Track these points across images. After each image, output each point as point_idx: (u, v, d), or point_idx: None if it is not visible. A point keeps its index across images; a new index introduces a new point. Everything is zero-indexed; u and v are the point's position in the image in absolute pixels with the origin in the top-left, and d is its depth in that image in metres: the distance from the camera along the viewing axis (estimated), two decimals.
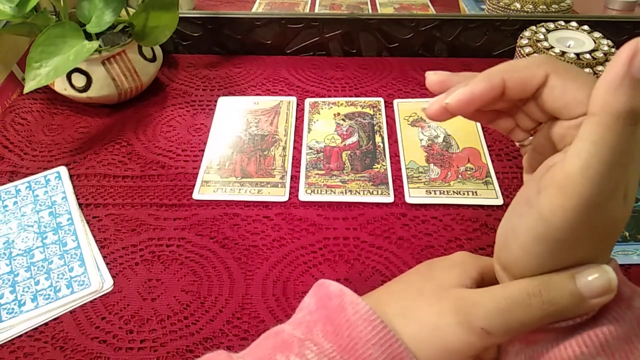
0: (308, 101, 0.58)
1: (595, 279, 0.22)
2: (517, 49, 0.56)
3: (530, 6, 0.64)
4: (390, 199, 0.46)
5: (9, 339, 0.36)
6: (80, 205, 0.46)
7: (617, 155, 0.20)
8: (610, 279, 0.22)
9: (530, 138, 0.27)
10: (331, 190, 0.47)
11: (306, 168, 0.49)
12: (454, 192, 0.46)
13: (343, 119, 0.55)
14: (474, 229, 0.43)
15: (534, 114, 0.25)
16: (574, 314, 0.22)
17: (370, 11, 0.74)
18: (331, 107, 0.57)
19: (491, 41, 0.64)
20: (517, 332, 0.23)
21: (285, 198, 0.46)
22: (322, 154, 0.51)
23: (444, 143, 0.51)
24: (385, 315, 0.26)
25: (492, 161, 0.49)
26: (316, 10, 0.74)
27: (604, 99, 0.19)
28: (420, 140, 0.52)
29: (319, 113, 0.56)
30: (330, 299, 0.26)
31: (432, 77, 0.25)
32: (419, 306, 0.26)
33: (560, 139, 0.23)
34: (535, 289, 0.22)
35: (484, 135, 0.52)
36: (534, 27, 0.57)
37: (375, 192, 0.46)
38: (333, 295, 0.26)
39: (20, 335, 0.37)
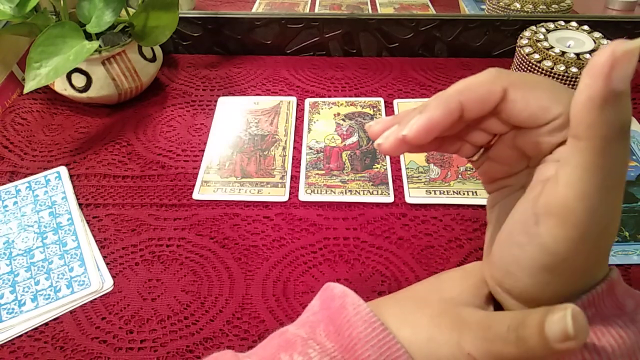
0: (308, 101, 0.58)
1: (556, 322, 0.19)
2: (517, 49, 0.56)
3: (530, 6, 0.64)
4: (390, 199, 0.46)
5: (9, 339, 0.36)
6: (80, 205, 0.46)
7: (614, 177, 0.19)
8: (567, 324, 0.18)
9: (481, 151, 0.26)
10: (331, 190, 0.47)
11: (306, 168, 0.49)
12: (454, 192, 0.46)
13: (343, 119, 0.55)
14: (474, 229, 0.43)
15: (492, 128, 0.24)
16: (545, 356, 0.20)
17: (370, 11, 0.74)
18: (331, 107, 0.57)
19: (491, 41, 0.64)
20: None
21: (285, 198, 0.46)
22: (322, 154, 0.51)
23: None
24: (382, 316, 0.26)
25: None
26: (316, 10, 0.74)
27: (588, 120, 0.18)
28: None
29: (319, 113, 0.56)
30: (333, 299, 0.27)
31: (376, 128, 0.23)
32: (420, 314, 0.26)
33: (534, 147, 0.22)
34: (514, 324, 0.21)
35: None
36: (534, 27, 0.57)
37: (375, 192, 0.46)
38: (336, 297, 0.27)
39: (20, 335, 0.37)
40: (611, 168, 0.18)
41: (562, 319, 0.19)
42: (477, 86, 0.22)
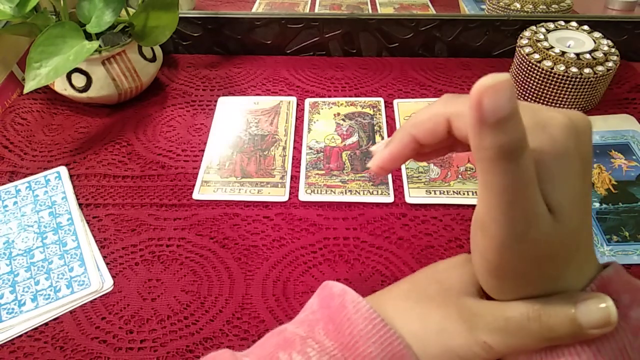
0: (308, 101, 0.58)
1: (595, 311, 0.22)
2: (517, 49, 0.56)
3: (530, 6, 0.64)
4: (390, 199, 0.46)
5: (9, 339, 0.37)
6: (80, 205, 0.46)
7: (512, 193, 0.20)
8: (610, 313, 0.21)
9: None
10: (331, 190, 0.47)
11: (306, 168, 0.49)
12: (454, 192, 0.46)
13: (343, 119, 0.55)
14: None
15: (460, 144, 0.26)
16: (572, 341, 0.22)
17: (370, 11, 0.74)
18: (331, 107, 0.57)
19: (491, 41, 0.64)
20: (519, 350, 0.24)
21: (285, 198, 0.46)
22: (322, 154, 0.51)
23: None
24: (385, 313, 0.26)
25: None
26: (316, 10, 0.74)
27: (473, 144, 0.19)
28: None
29: (319, 113, 0.56)
30: (333, 298, 0.27)
31: (376, 165, 0.27)
32: (424, 307, 0.26)
33: None
34: (534, 314, 0.23)
35: None
36: (534, 27, 0.57)
37: (375, 192, 0.46)
38: (335, 295, 0.27)
39: (20, 335, 0.37)
40: (507, 184, 0.19)
41: (604, 307, 0.21)
42: (425, 120, 0.24)
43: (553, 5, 0.64)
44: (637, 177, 0.46)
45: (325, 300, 0.27)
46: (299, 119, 0.55)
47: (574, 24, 0.57)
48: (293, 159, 0.50)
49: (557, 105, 0.54)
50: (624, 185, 0.45)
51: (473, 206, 0.45)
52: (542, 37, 0.55)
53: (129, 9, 0.55)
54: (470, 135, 0.19)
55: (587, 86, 0.52)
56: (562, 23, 0.57)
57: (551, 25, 0.57)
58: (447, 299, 0.26)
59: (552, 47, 0.53)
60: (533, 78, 0.54)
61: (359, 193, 0.46)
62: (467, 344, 0.24)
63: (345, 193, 0.46)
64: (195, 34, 0.65)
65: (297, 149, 0.52)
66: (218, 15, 0.64)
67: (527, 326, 0.22)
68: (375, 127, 0.54)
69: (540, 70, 0.52)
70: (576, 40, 0.55)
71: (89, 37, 0.51)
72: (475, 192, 0.46)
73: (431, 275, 0.28)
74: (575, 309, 0.22)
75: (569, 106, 0.54)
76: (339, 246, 0.42)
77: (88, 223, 0.45)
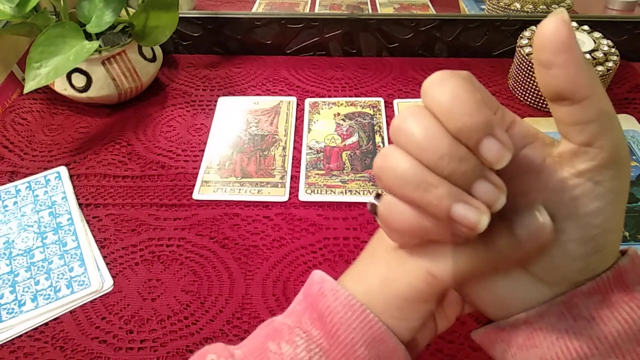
0: (308, 101, 0.58)
1: (529, 224, 0.21)
2: (517, 49, 0.56)
3: (530, 6, 0.64)
4: None
5: (9, 339, 0.37)
6: (80, 205, 0.46)
7: None
8: (545, 226, 0.21)
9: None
10: (331, 190, 0.47)
11: (306, 168, 0.49)
12: None
13: (343, 119, 0.55)
14: None
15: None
16: (514, 254, 0.22)
17: (370, 11, 0.74)
18: (331, 107, 0.57)
19: (491, 41, 0.64)
20: (465, 277, 0.23)
21: (285, 198, 0.46)
22: (322, 154, 0.51)
23: None
24: (344, 285, 0.26)
25: None
26: (316, 10, 0.74)
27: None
28: None
29: (319, 113, 0.56)
30: (312, 286, 0.27)
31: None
32: (370, 267, 0.26)
33: None
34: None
35: None
36: (534, 27, 0.57)
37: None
38: (314, 283, 0.27)
39: (20, 335, 0.37)
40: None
41: (539, 223, 0.21)
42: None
43: (553, 5, 0.64)
44: (637, 177, 0.46)
45: (307, 289, 0.27)
46: (299, 119, 0.55)
47: (574, 24, 0.57)
48: (293, 159, 0.50)
49: None
50: None
51: None
52: None
53: (129, 9, 0.55)
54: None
55: None
56: None
57: None
58: (392, 252, 0.26)
59: None
60: (533, 78, 0.54)
61: (359, 193, 0.46)
62: (409, 284, 0.24)
63: (345, 193, 0.46)
64: (195, 34, 0.65)
65: (297, 149, 0.52)
66: (218, 15, 0.64)
67: (469, 245, 0.22)
68: (375, 127, 0.54)
69: None
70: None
71: (89, 37, 0.51)
72: None
73: (378, 238, 0.28)
74: (513, 223, 0.21)
75: None
76: (339, 246, 0.42)
77: (88, 223, 0.45)
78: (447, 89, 0.19)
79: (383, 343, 0.25)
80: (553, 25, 0.18)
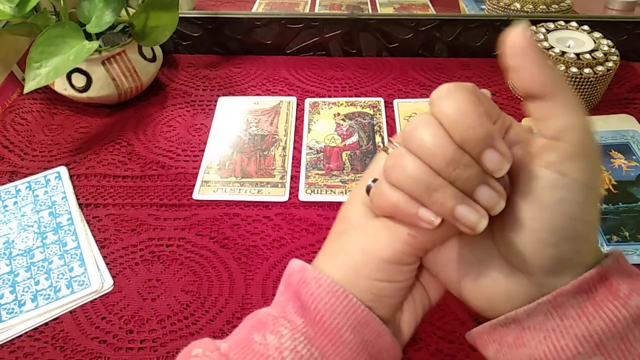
0: (308, 101, 0.58)
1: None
2: None
3: (530, 6, 0.64)
4: None
5: (9, 339, 0.37)
6: (80, 205, 0.46)
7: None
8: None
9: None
10: (331, 190, 0.47)
11: (306, 168, 0.49)
12: None
13: (343, 119, 0.55)
14: None
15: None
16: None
17: (370, 11, 0.74)
18: (331, 107, 0.57)
19: (491, 41, 0.64)
20: (440, 236, 0.25)
21: (285, 198, 0.46)
22: (322, 154, 0.51)
23: None
24: (322, 267, 0.27)
25: None
26: (316, 10, 0.74)
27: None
28: None
29: (319, 113, 0.56)
30: (292, 275, 0.28)
31: None
32: (349, 241, 0.27)
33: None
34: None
35: None
36: (534, 27, 0.57)
37: None
38: (294, 272, 0.28)
39: (20, 335, 0.37)
40: None
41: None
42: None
43: (553, 5, 0.64)
44: (637, 177, 0.46)
45: (287, 278, 0.28)
46: (299, 119, 0.55)
47: (574, 24, 0.57)
48: (293, 159, 0.50)
49: None
50: (623, 185, 0.45)
51: None
52: (542, 37, 0.55)
53: (129, 9, 0.55)
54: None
55: (587, 86, 0.52)
56: (562, 23, 0.57)
57: (551, 25, 0.57)
58: (362, 222, 0.27)
59: (552, 47, 0.53)
60: None
61: None
62: (391, 244, 0.25)
63: (345, 193, 0.46)
64: (195, 34, 0.65)
65: (297, 149, 0.52)
66: (218, 15, 0.64)
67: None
68: (375, 127, 0.54)
69: None
70: (576, 41, 0.55)
71: (89, 37, 0.51)
72: None
73: (343, 218, 0.29)
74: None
75: None
76: None
77: (88, 223, 0.45)
78: (452, 102, 0.21)
79: (368, 326, 0.26)
80: (514, 35, 0.22)
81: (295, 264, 0.28)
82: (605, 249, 0.40)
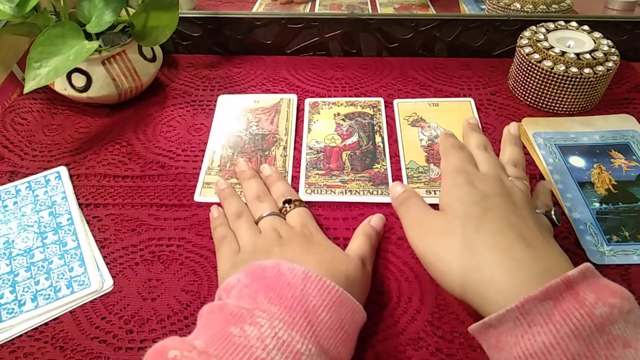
0: (308, 101, 0.58)
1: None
2: (517, 49, 0.56)
3: (530, 6, 0.64)
4: (390, 199, 0.46)
5: (9, 339, 0.37)
6: (80, 205, 0.46)
7: None
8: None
9: None
10: (331, 190, 0.47)
11: (306, 168, 0.49)
12: None
13: (343, 119, 0.55)
14: None
15: None
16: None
17: (370, 11, 0.74)
18: (331, 107, 0.57)
19: (491, 41, 0.64)
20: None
21: None
22: (322, 154, 0.51)
23: None
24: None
25: None
26: (316, 10, 0.74)
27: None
28: (420, 140, 0.52)
29: (319, 113, 0.56)
30: (266, 270, 0.30)
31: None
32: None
33: None
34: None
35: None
36: (534, 27, 0.57)
37: (375, 192, 0.46)
38: (268, 267, 0.30)
39: (20, 335, 0.37)
40: None
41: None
42: None
43: (553, 5, 0.64)
44: (637, 177, 0.46)
45: (256, 273, 0.30)
46: (299, 119, 0.55)
47: (574, 24, 0.57)
48: (293, 159, 0.50)
49: (557, 105, 0.54)
50: (624, 185, 0.45)
51: None
52: (542, 37, 0.55)
53: (129, 9, 0.55)
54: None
55: (587, 86, 0.52)
56: (562, 23, 0.57)
57: (551, 25, 0.57)
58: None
59: (552, 47, 0.53)
60: (533, 78, 0.54)
61: (359, 193, 0.46)
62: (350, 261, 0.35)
63: (345, 193, 0.46)
64: (195, 34, 0.65)
65: (297, 149, 0.52)
66: (218, 15, 0.64)
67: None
68: (375, 127, 0.54)
69: (540, 70, 0.52)
70: (576, 40, 0.55)
71: (89, 37, 0.51)
72: None
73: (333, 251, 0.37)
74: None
75: (569, 106, 0.54)
76: (339, 246, 0.42)
77: (88, 223, 0.45)
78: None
79: (343, 305, 0.29)
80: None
81: (267, 262, 0.31)
82: (605, 249, 0.40)
